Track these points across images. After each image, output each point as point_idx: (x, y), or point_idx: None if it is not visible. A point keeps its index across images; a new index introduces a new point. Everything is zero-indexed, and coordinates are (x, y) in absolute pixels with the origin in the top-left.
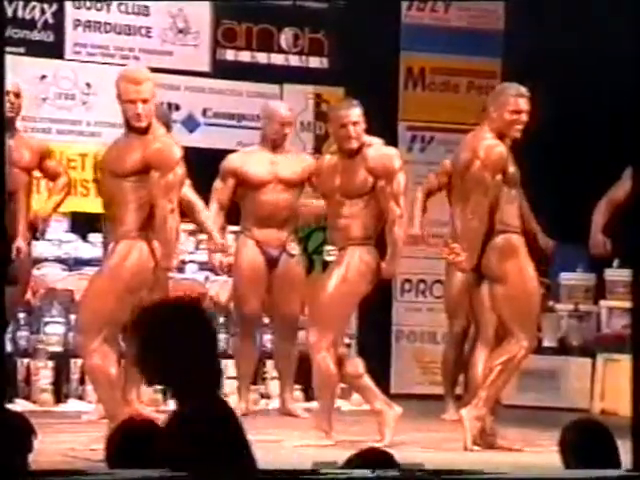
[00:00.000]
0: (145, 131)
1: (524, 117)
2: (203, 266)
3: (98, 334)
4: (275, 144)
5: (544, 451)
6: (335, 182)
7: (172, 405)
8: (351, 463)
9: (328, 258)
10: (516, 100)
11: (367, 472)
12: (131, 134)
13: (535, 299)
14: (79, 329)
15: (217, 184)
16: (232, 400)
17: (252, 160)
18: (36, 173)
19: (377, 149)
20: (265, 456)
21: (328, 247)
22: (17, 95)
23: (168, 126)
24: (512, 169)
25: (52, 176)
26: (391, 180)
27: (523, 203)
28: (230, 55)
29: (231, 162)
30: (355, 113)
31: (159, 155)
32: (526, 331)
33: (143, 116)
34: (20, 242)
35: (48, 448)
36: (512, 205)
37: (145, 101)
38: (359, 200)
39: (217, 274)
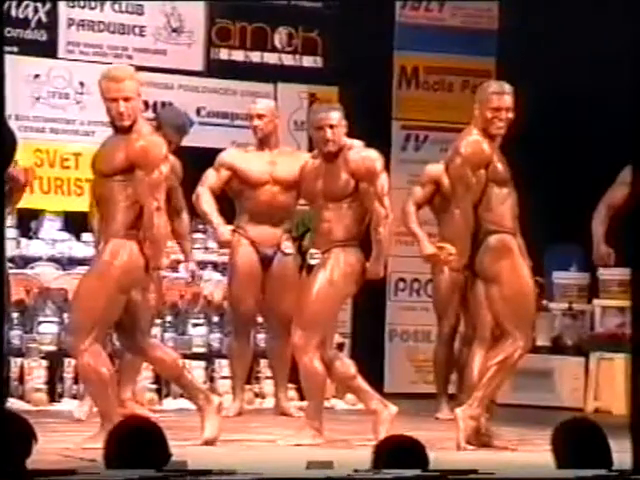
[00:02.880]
0: (129, 129)
1: (504, 114)
2: (197, 265)
3: (89, 334)
4: (259, 141)
5: (538, 450)
6: (317, 186)
7: (167, 405)
8: (380, 452)
9: (312, 262)
10: (497, 97)
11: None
12: (117, 133)
13: (530, 299)
14: (70, 329)
15: (209, 173)
16: (226, 400)
17: (249, 159)
18: None
19: (358, 151)
20: (259, 455)
21: (312, 250)
22: None
23: (181, 129)
24: (500, 167)
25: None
26: (374, 181)
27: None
28: (224, 54)
29: (229, 156)
30: (333, 116)
31: (143, 153)
32: (522, 331)
33: (125, 114)
34: None
35: (42, 447)
36: (504, 205)
37: (127, 99)
38: (341, 203)
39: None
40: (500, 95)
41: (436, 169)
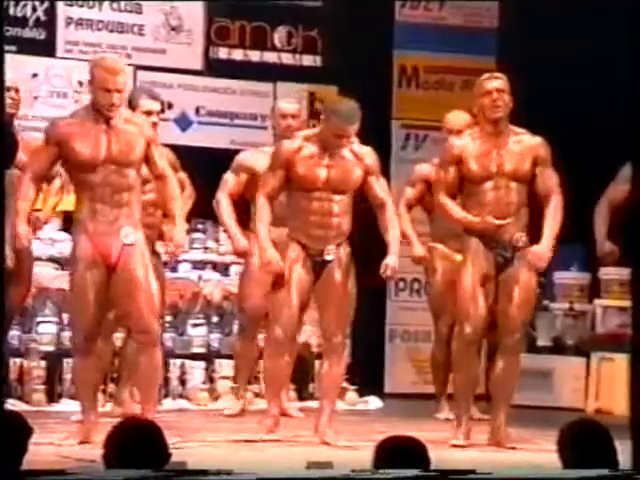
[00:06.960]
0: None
1: (496, 95)
2: (196, 265)
3: (83, 331)
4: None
5: (538, 450)
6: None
7: (166, 405)
8: (381, 451)
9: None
10: (486, 82)
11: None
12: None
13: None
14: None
15: (228, 177)
16: (226, 400)
17: (265, 161)
18: None
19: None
20: (259, 456)
21: None
22: (17, 91)
23: (154, 93)
24: (474, 166)
25: (48, 178)
26: None
27: None
28: (223, 53)
29: (246, 158)
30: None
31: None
32: (460, 319)
33: (117, 106)
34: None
35: (41, 448)
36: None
37: (119, 91)
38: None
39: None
40: (489, 79)
41: (426, 168)
